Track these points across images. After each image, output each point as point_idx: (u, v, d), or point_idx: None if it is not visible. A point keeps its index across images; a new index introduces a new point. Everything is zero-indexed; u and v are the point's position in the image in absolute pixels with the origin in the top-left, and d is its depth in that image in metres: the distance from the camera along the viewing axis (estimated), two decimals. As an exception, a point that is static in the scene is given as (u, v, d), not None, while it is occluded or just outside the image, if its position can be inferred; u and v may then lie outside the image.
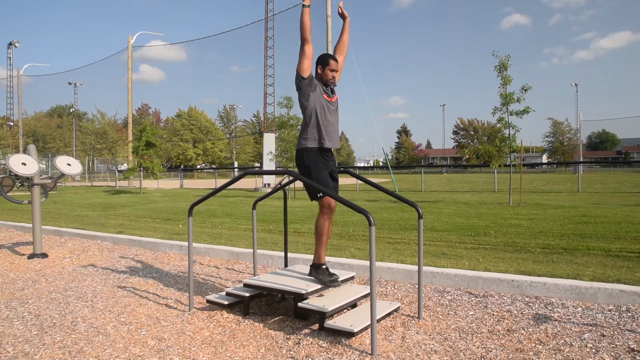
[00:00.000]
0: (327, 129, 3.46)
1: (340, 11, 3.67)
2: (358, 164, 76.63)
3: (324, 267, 3.47)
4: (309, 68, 3.41)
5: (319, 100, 3.44)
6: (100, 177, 43.13)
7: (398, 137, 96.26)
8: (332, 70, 3.50)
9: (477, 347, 2.89)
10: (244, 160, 65.94)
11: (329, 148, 3.51)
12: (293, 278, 3.60)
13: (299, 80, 3.44)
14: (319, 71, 3.53)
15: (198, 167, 58.43)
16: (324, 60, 3.51)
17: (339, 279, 3.50)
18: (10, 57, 50.31)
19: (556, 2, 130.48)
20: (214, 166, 59.59)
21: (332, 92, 3.57)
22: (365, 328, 3.08)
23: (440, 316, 3.49)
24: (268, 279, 3.60)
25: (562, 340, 2.96)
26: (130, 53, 26.94)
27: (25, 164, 5.83)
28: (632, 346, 2.84)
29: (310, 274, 3.54)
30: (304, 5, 3.37)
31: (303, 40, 3.38)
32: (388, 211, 9.91)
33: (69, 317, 3.57)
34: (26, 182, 6.05)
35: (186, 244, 6.11)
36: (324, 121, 3.44)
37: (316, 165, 3.42)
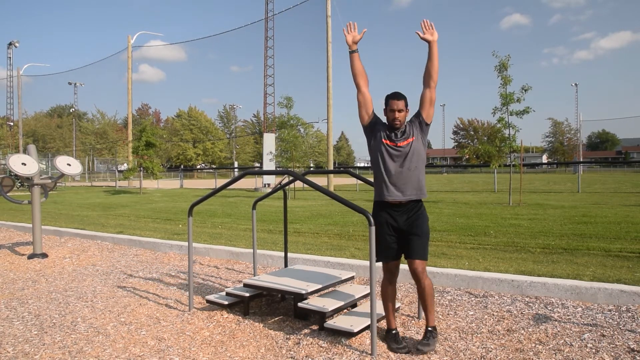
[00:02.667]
0: (390, 179, 3.00)
1: (426, 30, 3.09)
2: (358, 164, 76.60)
3: (393, 332, 3.07)
4: (365, 115, 3.14)
5: (378, 148, 3.07)
6: (100, 177, 43.10)
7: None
8: (393, 111, 3.02)
9: (477, 347, 2.89)
10: (244, 160, 65.94)
11: (396, 202, 3.00)
12: (293, 278, 3.60)
13: (363, 129, 3.20)
14: (385, 113, 3.13)
15: (198, 167, 58.41)
16: (385, 100, 3.13)
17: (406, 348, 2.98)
18: (10, 57, 50.32)
19: (556, 2, 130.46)
20: (214, 166, 59.57)
21: (402, 134, 3.05)
22: (365, 328, 3.08)
23: (440, 316, 3.49)
24: (268, 279, 3.60)
25: (562, 340, 2.96)
26: (130, 53, 26.95)
27: (25, 164, 5.83)
28: (632, 346, 2.85)
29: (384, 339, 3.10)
30: (351, 52, 3.11)
31: (356, 87, 3.15)
32: (388, 211, 9.90)
33: (69, 317, 3.57)
34: (26, 182, 6.05)
35: (186, 244, 6.11)
36: (385, 170, 3.02)
37: (375, 224, 2.97)
